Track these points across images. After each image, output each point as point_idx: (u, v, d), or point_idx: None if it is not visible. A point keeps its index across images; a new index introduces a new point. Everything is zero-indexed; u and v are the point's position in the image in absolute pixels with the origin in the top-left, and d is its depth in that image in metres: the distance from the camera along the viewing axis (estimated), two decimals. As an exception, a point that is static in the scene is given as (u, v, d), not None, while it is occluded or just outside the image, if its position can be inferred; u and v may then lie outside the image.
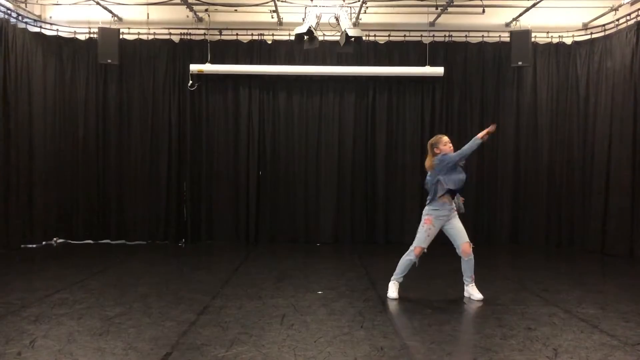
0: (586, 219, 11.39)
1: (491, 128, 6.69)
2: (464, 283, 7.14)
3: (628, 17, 10.48)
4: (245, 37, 11.74)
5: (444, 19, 11.55)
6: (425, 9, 11.45)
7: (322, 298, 7.03)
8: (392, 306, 6.59)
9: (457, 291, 7.40)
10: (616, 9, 10.86)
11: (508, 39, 11.29)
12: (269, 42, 11.75)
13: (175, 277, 8.29)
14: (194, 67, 11.42)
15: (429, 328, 5.70)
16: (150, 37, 11.70)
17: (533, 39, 11.36)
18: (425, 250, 7.11)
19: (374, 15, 11.61)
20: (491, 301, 6.86)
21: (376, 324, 5.81)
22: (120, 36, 11.21)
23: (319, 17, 10.26)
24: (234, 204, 11.79)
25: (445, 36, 11.73)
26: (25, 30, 10.91)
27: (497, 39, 11.72)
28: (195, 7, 11.24)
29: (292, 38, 10.47)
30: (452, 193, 6.96)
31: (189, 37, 11.69)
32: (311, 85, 11.84)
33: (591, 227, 11.11)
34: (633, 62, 10.27)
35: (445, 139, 6.96)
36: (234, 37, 11.71)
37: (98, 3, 10.89)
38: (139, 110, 11.72)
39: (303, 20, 10.48)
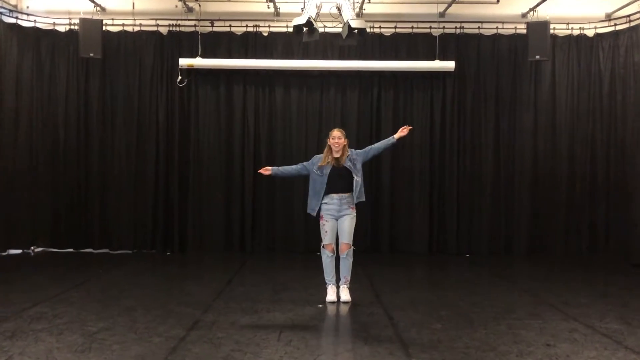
0: (609, 226, 11.41)
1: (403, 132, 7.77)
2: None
3: (655, 7, 10.51)
4: (239, 29, 11.77)
5: (455, 9, 11.58)
6: (434, -2, 11.50)
7: (323, 312, 7.04)
8: (399, 320, 6.59)
9: (469, 304, 7.42)
10: (642, -2, 10.90)
11: (524, 31, 11.31)
12: (265, 34, 11.78)
13: (163, 289, 8.30)
14: (184, 62, 11.45)
15: (439, 344, 5.70)
16: (136, 28, 11.73)
17: (552, 31, 11.37)
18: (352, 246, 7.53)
19: (378, 5, 11.65)
20: (507, 315, 6.87)
21: (381, 340, 5.81)
22: (104, 28, 11.23)
23: (319, 7, 10.24)
24: (227, 209, 11.80)
25: (456, 28, 11.76)
26: (-1, 21, 10.96)
27: (513, 31, 11.75)
28: (185, -4, 11.30)
29: (290, 30, 10.48)
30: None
31: (178, 28, 11.73)
32: (311, 81, 11.87)
33: (615, 235, 11.11)
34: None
35: (334, 133, 7.56)
36: (227, 29, 11.75)
37: (79, -8, 10.94)
38: (123, 108, 11.74)
39: (302, 10, 10.45)
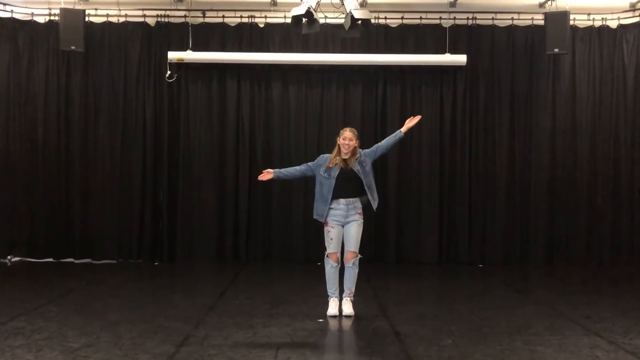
0: (634, 234, 11.42)
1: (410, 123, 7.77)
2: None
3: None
4: (233, 20, 11.80)
5: (467, -2, 11.65)
6: (444, -13, 11.54)
7: (324, 327, 7.05)
8: (406, 336, 6.60)
9: (482, 318, 7.44)
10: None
11: (542, 22, 11.30)
12: (261, 25, 11.81)
13: (151, 302, 8.31)
14: (173, 55, 11.46)
15: (449, 362, 5.72)
16: (122, 19, 11.74)
17: (571, 22, 11.37)
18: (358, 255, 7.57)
19: (384, -6, 11.71)
20: (523, 330, 6.88)
21: (387, 357, 5.82)
22: (86, 19, 11.24)
23: (319, -4, 10.28)
24: (220, 215, 11.82)
25: (468, 18, 11.79)
26: (-28, 11, 11.01)
27: (530, 22, 11.77)
28: (175, -15, 11.33)
29: (288, 21, 10.50)
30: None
31: (166, 19, 11.75)
32: (311, 77, 11.89)
33: (638, 244, 11.11)
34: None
35: (345, 133, 7.52)
36: (220, 20, 11.77)
37: (60, -20, 10.95)
38: (108, 105, 11.74)
39: (301, -1, 10.50)
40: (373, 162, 7.68)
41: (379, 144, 7.83)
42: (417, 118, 7.80)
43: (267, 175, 7.69)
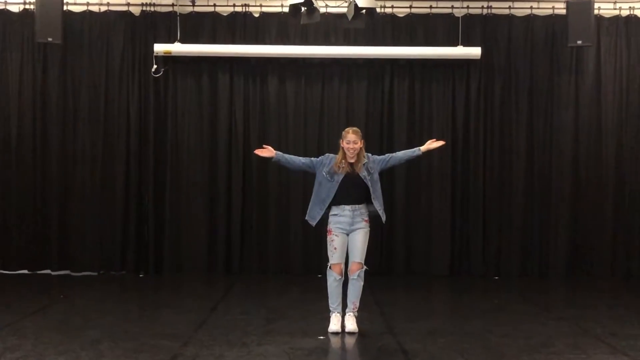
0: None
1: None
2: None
3: None
4: (225, 9, 11.82)
5: (482, -15, 11.68)
6: (457, -28, 11.58)
7: (325, 345, 7.06)
8: (415, 355, 6.60)
9: (498, 335, 7.45)
10: None
11: (564, 12, 11.36)
12: (256, 15, 11.83)
13: (135, 318, 8.34)
14: (160, 48, 11.47)
15: (462, 383, 5.73)
16: (103, 8, 11.76)
17: (596, 11, 11.40)
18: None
19: (391, -20, 11.74)
20: (543, 348, 6.89)
21: (394, 378, 5.84)
22: (64, 7, 11.28)
23: (320, -17, 10.30)
24: (212, 223, 11.83)
25: (483, 7, 11.81)
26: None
27: (550, 11, 11.80)
28: (162, -29, 11.38)
29: (286, 10, 10.52)
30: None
31: (152, 8, 11.78)
32: (310, 71, 11.91)
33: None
34: None
35: (349, 136, 7.54)
36: (211, 9, 11.80)
37: (36, -35, 10.96)
38: (88, 103, 11.75)
39: (300, -14, 10.52)
40: (380, 172, 7.71)
41: (393, 154, 7.89)
42: (441, 143, 7.87)
43: (266, 152, 7.74)
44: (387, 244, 11.80)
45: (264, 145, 7.87)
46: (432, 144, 7.75)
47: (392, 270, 11.77)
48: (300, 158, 7.88)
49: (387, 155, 7.83)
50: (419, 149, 7.74)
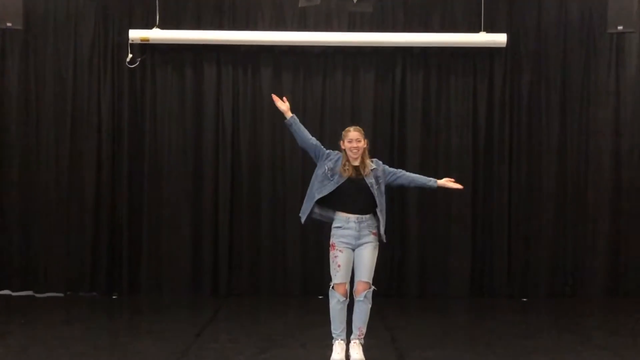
0: None
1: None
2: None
3: None
4: (211, -10, 11.88)
5: (507, -37, 11.70)
6: (478, -52, 11.59)
7: (328, 377, 7.03)
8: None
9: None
10: None
11: (602, -7, 11.40)
12: (248, -4, 11.87)
13: (107, 346, 8.30)
14: (136, 34, 11.45)
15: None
16: (71, -11, 11.82)
17: (639, -7, 11.45)
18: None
19: (402, -42, 11.75)
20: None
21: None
22: (27, -12, 11.32)
23: (321, -40, 10.31)
24: (196, 237, 11.82)
25: (508, -12, 11.87)
26: None
27: (587, -7, 11.85)
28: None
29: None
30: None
31: (128, -11, 11.83)
32: (310, 61, 11.92)
33: None
34: None
35: (350, 134, 7.59)
36: (195, -10, 11.85)
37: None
38: (53, 98, 11.73)
39: (297, -36, 10.53)
40: (386, 186, 7.71)
41: (406, 173, 7.93)
42: (458, 186, 7.95)
43: (282, 104, 7.85)
44: (399, 261, 11.78)
45: (283, 97, 7.95)
46: (449, 183, 7.85)
47: (404, 291, 11.76)
48: (311, 137, 7.83)
49: (399, 171, 7.85)
50: (435, 182, 7.82)
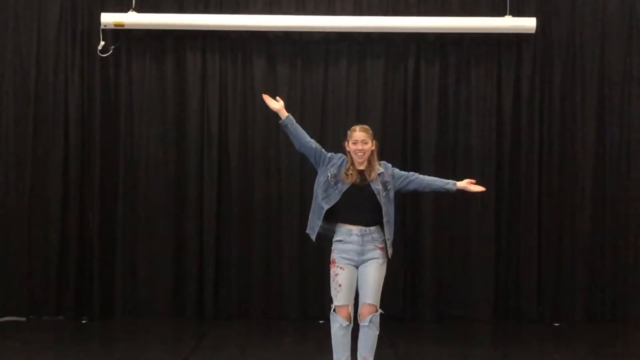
0: None
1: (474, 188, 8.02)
2: None
3: None
4: (195, -33, 11.88)
5: (538, -64, 11.71)
6: None
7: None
8: None
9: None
10: None
11: (646, -28, 11.37)
12: (237, -25, 11.87)
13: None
14: (109, 18, 11.38)
15: None
16: (34, -33, 11.82)
17: (690, -28, 11.45)
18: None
19: None
20: None
21: None
22: (-17, -35, 11.33)
23: None
24: (178, 253, 11.79)
25: (538, -34, 11.87)
26: None
27: (628, -27, 11.85)
28: None
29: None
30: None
31: (99, -33, 11.83)
32: (310, 49, 11.89)
33: None
34: None
35: (355, 134, 7.65)
36: (177, -32, 11.86)
37: None
38: (13, 90, 11.69)
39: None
40: (396, 192, 7.74)
41: (419, 175, 8.00)
42: (480, 189, 8.01)
43: (276, 103, 7.94)
44: (412, 280, 11.76)
45: (277, 98, 8.02)
46: (470, 186, 7.95)
47: (419, 315, 11.71)
48: (309, 138, 7.89)
49: (411, 174, 7.91)
50: (455, 184, 7.91)
